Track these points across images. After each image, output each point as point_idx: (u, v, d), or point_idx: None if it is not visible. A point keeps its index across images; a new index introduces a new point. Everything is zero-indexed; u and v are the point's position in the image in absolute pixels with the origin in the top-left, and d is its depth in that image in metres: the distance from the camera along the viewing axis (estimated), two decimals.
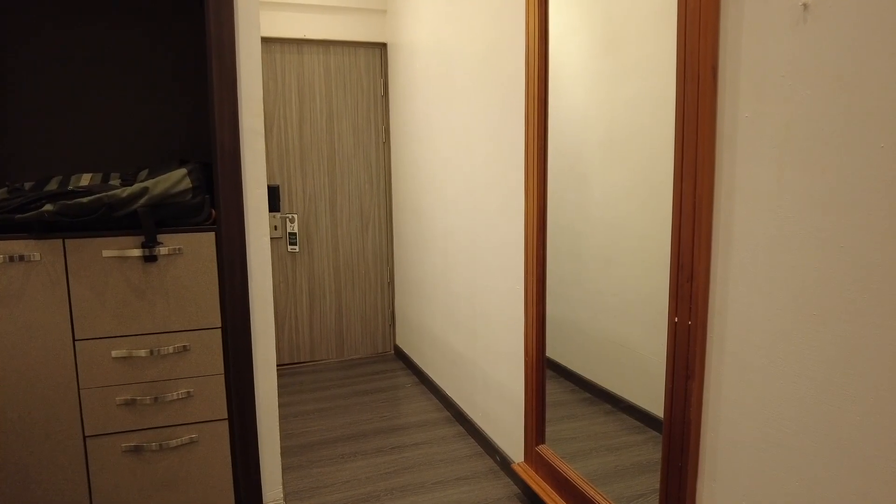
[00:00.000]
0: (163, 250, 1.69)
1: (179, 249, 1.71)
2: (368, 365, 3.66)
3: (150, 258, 1.69)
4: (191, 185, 1.74)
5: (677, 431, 1.28)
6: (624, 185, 1.57)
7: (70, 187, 1.72)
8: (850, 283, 0.95)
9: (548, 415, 2.00)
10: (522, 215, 2.04)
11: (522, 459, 2.12)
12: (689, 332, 1.21)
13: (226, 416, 1.80)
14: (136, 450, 1.73)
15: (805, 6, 0.98)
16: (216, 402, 1.79)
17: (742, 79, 1.12)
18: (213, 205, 1.81)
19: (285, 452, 2.51)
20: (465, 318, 2.66)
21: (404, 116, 3.39)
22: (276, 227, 3.52)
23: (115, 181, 2.00)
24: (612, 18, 1.58)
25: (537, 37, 1.81)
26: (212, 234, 1.74)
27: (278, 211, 3.51)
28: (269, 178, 3.50)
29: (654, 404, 1.52)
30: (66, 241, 1.62)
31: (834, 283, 0.97)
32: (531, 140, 1.89)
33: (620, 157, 1.58)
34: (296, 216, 3.55)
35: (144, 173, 2.01)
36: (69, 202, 1.60)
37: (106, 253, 1.65)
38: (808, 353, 1.02)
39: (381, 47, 3.64)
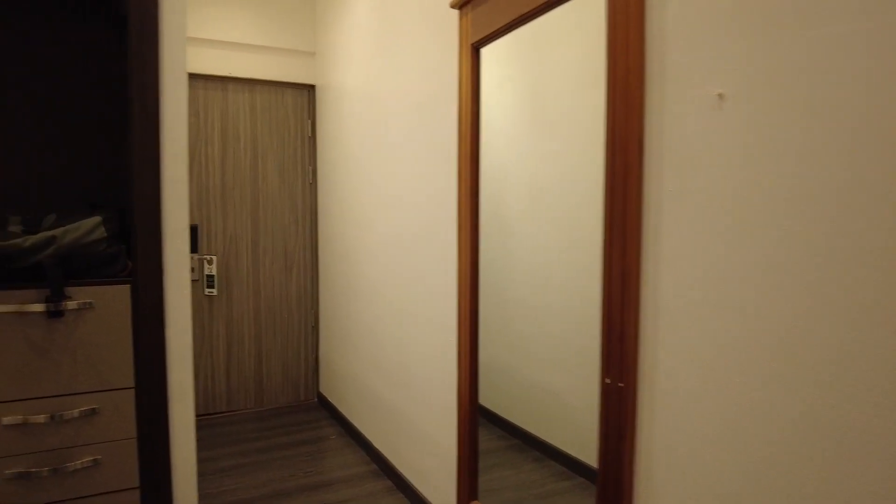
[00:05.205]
0: (71, 305, 1.56)
1: (90, 304, 1.58)
2: (290, 415, 3.51)
3: (55, 314, 1.55)
4: (105, 235, 1.62)
5: (611, 493, 1.30)
6: (546, 235, 1.63)
7: None
8: (760, 350, 1.01)
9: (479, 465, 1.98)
10: (455, 268, 2.06)
11: None
12: (621, 394, 1.25)
13: (138, 485, 1.66)
14: None
15: (720, 96, 1.07)
16: (127, 470, 1.64)
17: (666, 154, 1.19)
18: (129, 255, 1.70)
19: None
20: (394, 367, 2.62)
21: (333, 159, 3.36)
22: (193, 269, 3.35)
23: (14, 227, 1.84)
24: (542, 73, 1.65)
25: (470, 93, 1.86)
26: (127, 287, 1.63)
27: (196, 252, 3.35)
28: None
29: (581, 450, 1.54)
30: None
31: (747, 350, 1.04)
32: (464, 196, 1.92)
33: (543, 209, 1.64)
34: (214, 258, 3.40)
35: (51, 218, 1.85)
36: None
37: (0, 308, 1.49)
38: (723, 420, 1.08)
39: (310, 89, 3.62)
